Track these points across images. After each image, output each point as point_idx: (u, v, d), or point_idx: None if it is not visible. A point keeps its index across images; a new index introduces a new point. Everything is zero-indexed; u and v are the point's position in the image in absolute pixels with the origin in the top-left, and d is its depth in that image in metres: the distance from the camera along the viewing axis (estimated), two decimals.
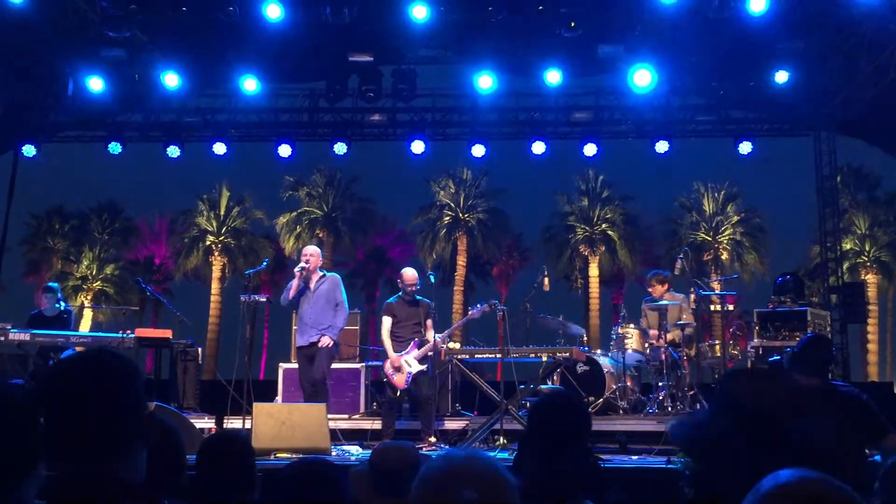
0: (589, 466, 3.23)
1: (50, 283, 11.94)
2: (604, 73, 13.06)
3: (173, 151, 14.17)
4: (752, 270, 38.35)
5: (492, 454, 6.48)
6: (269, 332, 41.44)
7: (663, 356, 9.89)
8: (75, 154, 20.71)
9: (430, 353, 8.98)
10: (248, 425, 7.96)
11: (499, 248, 42.06)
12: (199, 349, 11.60)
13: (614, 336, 10.75)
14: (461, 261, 40.03)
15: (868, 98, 12.38)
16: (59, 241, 40.62)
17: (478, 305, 9.45)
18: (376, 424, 9.46)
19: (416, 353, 8.89)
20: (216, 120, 14.52)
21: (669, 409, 9.48)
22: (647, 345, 10.46)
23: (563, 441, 2.95)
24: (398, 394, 8.99)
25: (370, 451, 7.27)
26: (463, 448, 6.42)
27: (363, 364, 11.07)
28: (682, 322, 10.09)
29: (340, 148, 14.13)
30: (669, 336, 10.04)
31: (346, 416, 10.34)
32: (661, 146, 13.79)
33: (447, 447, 8.37)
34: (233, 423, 8.82)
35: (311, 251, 9.27)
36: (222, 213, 40.63)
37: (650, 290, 10.68)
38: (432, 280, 10.19)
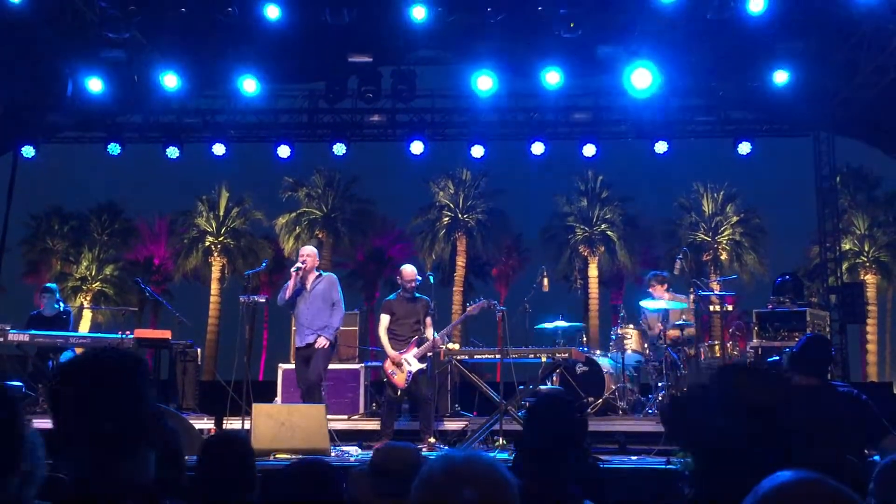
0: (587, 467, 3.22)
1: (48, 284, 11.94)
2: (603, 73, 13.05)
3: (172, 152, 14.17)
4: (751, 271, 38.37)
5: (491, 455, 6.47)
6: (269, 333, 41.48)
7: (667, 353, 9.90)
8: (75, 155, 20.73)
9: (429, 353, 8.97)
10: (247, 426, 7.95)
11: (498, 249, 42.07)
12: (199, 350, 11.59)
13: (613, 336, 10.75)
14: (460, 261, 40.03)
15: (867, 98, 12.38)
16: (59, 241, 40.62)
17: (476, 301, 9.45)
18: (375, 425, 9.46)
19: (415, 351, 8.88)
20: (215, 121, 14.52)
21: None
22: (646, 345, 10.47)
23: (560, 443, 2.95)
24: (398, 393, 8.98)
25: (369, 452, 7.28)
26: (463, 448, 6.42)
27: (362, 364, 11.06)
28: (681, 322, 10.09)
29: (340, 149, 14.13)
30: (670, 334, 10.04)
31: (345, 416, 10.34)
32: (661, 146, 13.79)
33: (446, 448, 8.37)
34: (232, 423, 8.81)
35: (308, 251, 9.22)
36: (222, 213, 40.63)
37: (650, 289, 10.69)
38: (431, 280, 10.19)
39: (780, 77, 11.85)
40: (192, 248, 40.09)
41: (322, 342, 8.70)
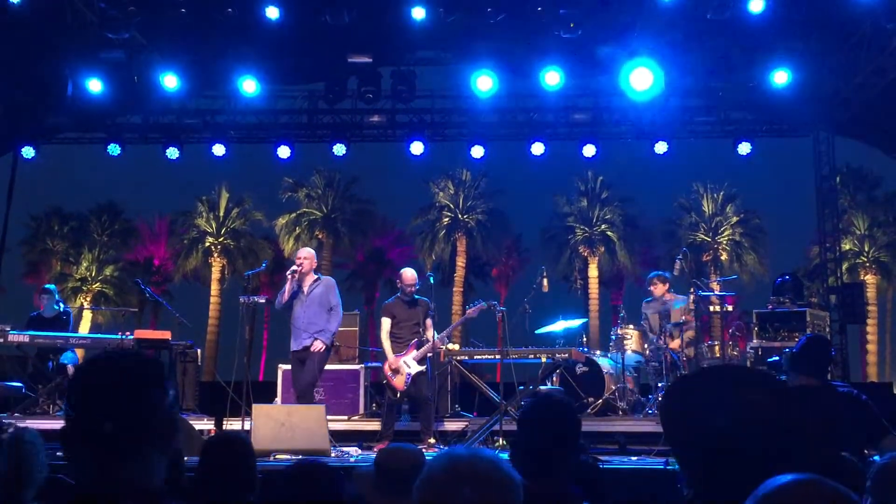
0: (587, 467, 3.23)
1: (47, 285, 11.95)
2: (603, 73, 13.05)
3: (172, 153, 14.18)
4: (751, 271, 38.37)
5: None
6: (269, 334, 41.48)
7: (667, 354, 9.89)
8: (74, 155, 20.72)
9: (429, 354, 8.97)
10: (247, 427, 7.95)
11: (498, 249, 42.07)
12: (199, 350, 11.59)
13: (613, 337, 10.76)
14: (460, 262, 40.03)
15: (867, 98, 12.38)
16: (59, 242, 40.61)
17: (475, 304, 9.46)
18: (375, 425, 9.46)
19: (415, 353, 8.88)
20: (215, 121, 14.52)
21: None
22: (646, 345, 10.47)
23: (553, 443, 2.95)
24: (398, 395, 8.98)
25: (369, 453, 7.29)
26: (466, 447, 6.42)
27: (362, 365, 11.06)
28: (681, 322, 10.09)
29: (339, 149, 14.13)
30: (674, 343, 10.02)
31: (345, 417, 10.34)
32: (661, 147, 13.80)
33: (446, 448, 8.36)
34: (232, 424, 8.81)
35: (305, 254, 9.16)
36: (221, 214, 40.63)
37: (651, 288, 10.69)
38: (431, 281, 10.19)
39: (780, 77, 11.85)
40: (192, 248, 40.10)
41: (318, 345, 8.65)
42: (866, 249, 37.95)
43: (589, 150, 13.90)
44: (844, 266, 25.02)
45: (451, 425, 9.74)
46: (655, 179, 39.67)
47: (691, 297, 10.12)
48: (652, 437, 8.42)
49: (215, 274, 39.58)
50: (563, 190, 41.09)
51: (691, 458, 1.87)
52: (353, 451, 8.39)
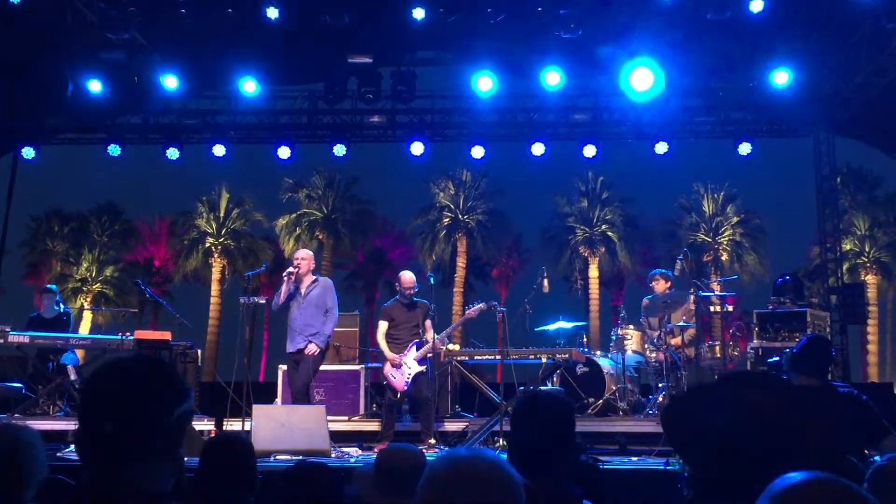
0: (585, 468, 3.22)
1: (48, 285, 11.95)
2: (603, 74, 13.04)
3: (172, 153, 14.18)
4: (751, 271, 38.35)
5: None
6: (269, 334, 41.45)
7: (663, 357, 9.88)
8: (75, 156, 20.70)
9: (429, 354, 8.96)
10: (247, 427, 7.95)
11: (498, 250, 42.06)
12: (199, 351, 11.59)
13: (614, 337, 10.75)
14: (461, 262, 40.03)
15: (868, 99, 12.37)
16: (59, 243, 40.60)
17: (474, 304, 9.46)
18: (376, 426, 9.46)
19: (414, 353, 8.88)
20: (215, 121, 14.53)
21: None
22: (646, 346, 10.46)
23: (548, 442, 2.94)
24: (398, 395, 8.98)
25: (369, 453, 7.29)
26: (467, 447, 6.41)
27: (363, 366, 11.06)
28: (682, 323, 10.08)
29: (340, 149, 14.13)
30: (674, 340, 10.01)
31: (345, 417, 10.34)
32: (661, 147, 13.80)
33: (447, 449, 8.37)
34: (232, 424, 8.80)
35: (303, 255, 9.11)
36: (222, 214, 40.63)
37: (653, 284, 10.67)
38: (431, 282, 10.19)
39: (781, 77, 11.85)
40: (192, 249, 40.10)
41: (312, 349, 8.60)
42: (867, 250, 37.95)
43: (589, 151, 13.90)
44: (845, 266, 25.00)
45: (452, 426, 9.74)
46: (656, 180, 39.75)
47: (692, 297, 10.11)
48: (652, 438, 8.41)
49: (215, 274, 39.58)
50: (564, 190, 41.16)
51: (694, 459, 1.87)
52: (354, 451, 8.39)
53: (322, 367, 10.68)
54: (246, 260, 38.95)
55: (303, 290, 8.86)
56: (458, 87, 14.19)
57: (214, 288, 39.31)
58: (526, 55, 12.12)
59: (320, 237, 39.90)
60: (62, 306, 11.44)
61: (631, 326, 10.67)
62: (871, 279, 37.12)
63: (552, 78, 12.00)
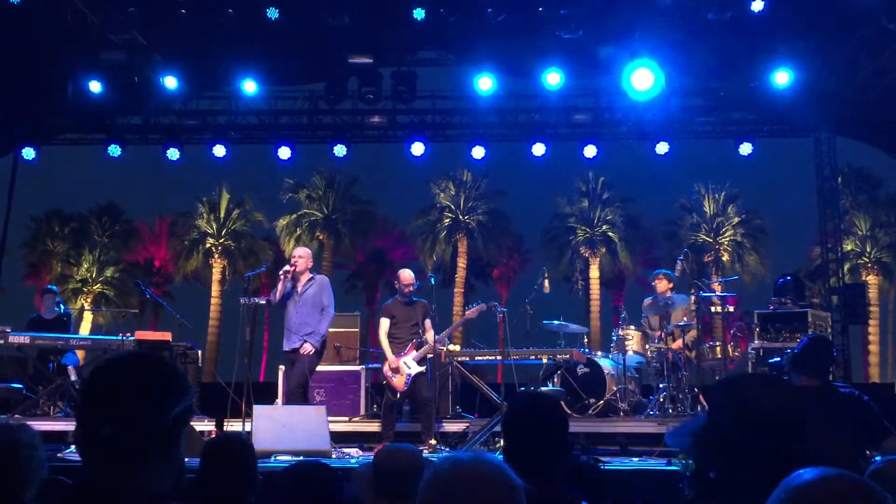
0: (586, 469, 3.21)
1: (50, 286, 11.95)
2: (604, 74, 13.04)
3: (173, 154, 14.18)
4: (752, 272, 38.31)
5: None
6: (269, 335, 41.42)
7: (669, 355, 9.86)
8: (75, 156, 20.72)
9: (429, 355, 8.95)
10: (248, 428, 7.95)
11: (499, 250, 42.04)
12: (199, 352, 11.59)
13: (615, 338, 10.74)
14: (461, 263, 40.01)
15: (869, 99, 12.37)
16: (59, 243, 40.59)
17: (473, 305, 9.45)
18: (376, 426, 9.45)
19: (414, 354, 8.87)
20: (216, 122, 14.53)
21: (670, 410, 9.46)
22: (647, 346, 10.45)
23: (540, 443, 2.93)
24: (398, 396, 8.97)
25: (370, 454, 7.27)
26: (465, 450, 6.41)
27: (363, 366, 11.05)
28: (682, 324, 10.07)
29: (340, 150, 14.13)
30: (675, 344, 9.99)
31: (346, 418, 10.34)
32: (662, 147, 13.80)
33: (447, 449, 8.36)
34: (233, 425, 8.80)
35: (300, 253, 9.10)
36: (222, 215, 40.61)
37: (655, 283, 10.66)
38: (433, 282, 10.18)
39: (782, 77, 11.84)
40: (192, 249, 40.08)
41: (307, 349, 8.57)
42: (868, 250, 37.92)
43: (590, 151, 13.89)
44: (846, 267, 24.96)
45: (452, 426, 9.73)
46: (657, 180, 39.75)
47: (692, 297, 10.10)
48: (653, 439, 8.40)
49: (216, 275, 39.56)
50: (565, 190, 41.10)
51: (698, 454, 1.87)
52: (354, 452, 8.38)
53: (323, 368, 10.69)
54: (246, 260, 38.93)
55: (299, 289, 8.84)
56: (458, 88, 14.22)
57: (215, 288, 39.30)
58: (526, 55, 12.11)
59: (321, 237, 39.88)
60: (62, 307, 11.44)
61: (632, 327, 10.66)
62: (872, 279, 37.10)
63: (552, 78, 12.00)
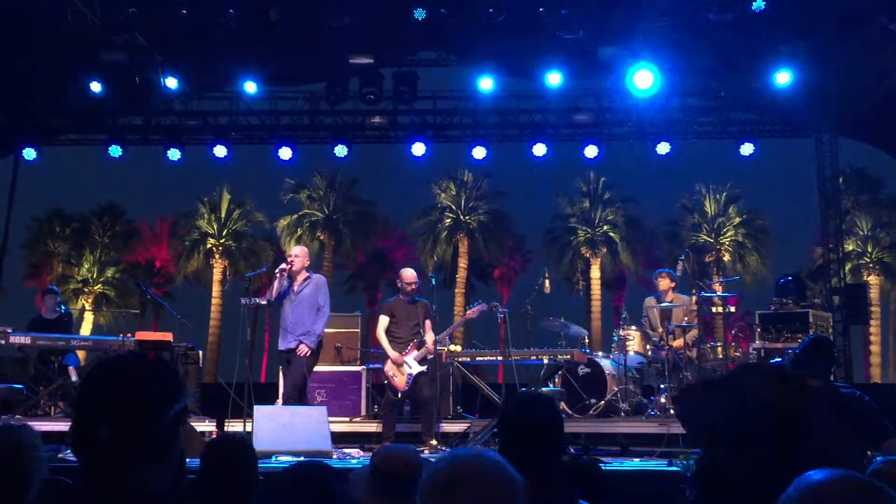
0: (587, 469, 3.20)
1: (50, 286, 11.95)
2: (605, 74, 13.04)
3: (174, 154, 14.18)
4: (753, 272, 38.28)
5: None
6: (270, 335, 41.39)
7: (664, 354, 9.85)
8: (76, 157, 20.71)
9: (429, 355, 8.94)
10: (248, 428, 7.94)
11: (500, 251, 42.02)
12: (200, 352, 11.59)
13: (616, 338, 10.73)
14: (462, 263, 40.00)
15: (870, 100, 12.37)
16: (60, 244, 40.58)
17: (474, 305, 9.45)
18: (377, 427, 9.44)
19: (415, 353, 8.87)
20: (217, 122, 14.55)
21: (671, 411, 9.45)
22: (648, 347, 10.45)
23: (534, 443, 2.93)
24: (399, 396, 8.96)
25: (371, 454, 7.26)
26: (469, 448, 6.40)
27: (364, 367, 11.04)
28: (684, 324, 10.06)
29: (341, 150, 14.14)
30: (676, 344, 9.99)
31: (346, 418, 10.33)
32: (663, 148, 13.79)
33: (448, 450, 8.35)
34: (233, 425, 8.80)
35: (297, 251, 9.02)
36: (223, 215, 40.61)
37: (658, 281, 10.65)
38: (433, 282, 10.18)
39: (783, 78, 11.84)
40: (193, 250, 40.07)
41: (303, 350, 8.51)
42: (869, 250, 37.90)
43: (591, 151, 13.90)
44: (847, 267, 24.93)
45: (453, 427, 9.73)
46: (658, 180, 39.68)
47: (693, 298, 10.10)
48: (654, 439, 8.40)
49: (217, 275, 39.56)
50: (566, 191, 41.08)
51: (703, 448, 1.87)
52: (355, 452, 8.37)
53: (323, 369, 10.70)
54: (247, 261, 38.92)
55: (296, 288, 8.76)
56: (459, 88, 14.23)
57: (216, 289, 39.29)
58: (527, 56, 12.12)
59: (322, 238, 39.88)
60: (63, 307, 11.45)
61: (633, 327, 10.65)
62: (873, 280, 37.06)
63: (553, 78, 12.01)
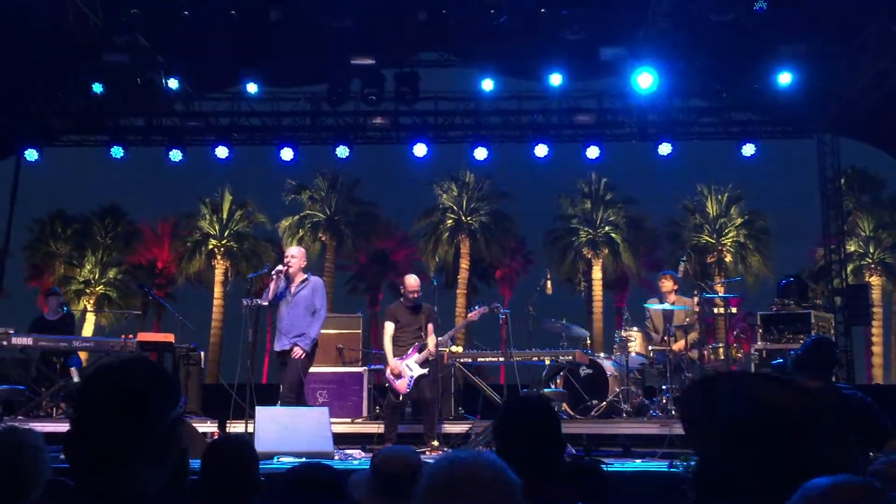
0: (588, 470, 3.20)
1: (53, 287, 11.97)
2: (606, 75, 13.05)
3: (175, 155, 14.18)
4: (755, 273, 38.25)
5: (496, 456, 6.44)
6: (272, 336, 41.37)
7: (671, 356, 9.85)
8: (77, 158, 20.75)
9: (430, 358, 8.95)
10: (250, 429, 7.95)
11: (502, 251, 42.01)
12: (202, 353, 11.58)
13: (617, 339, 10.73)
14: (464, 264, 40.00)
15: (872, 100, 12.36)
16: (62, 245, 40.60)
17: (476, 307, 9.46)
18: (379, 428, 9.45)
19: (416, 356, 8.87)
20: (218, 123, 14.55)
21: (673, 412, 9.45)
22: (650, 348, 10.45)
23: (531, 445, 2.93)
24: (400, 398, 8.97)
25: (372, 456, 7.26)
26: (467, 450, 6.40)
27: (366, 368, 11.04)
28: (685, 325, 10.06)
29: (343, 151, 14.14)
30: (678, 345, 9.98)
31: (348, 419, 10.33)
32: (664, 148, 13.78)
33: (450, 451, 8.34)
34: (235, 426, 8.80)
35: (294, 252, 8.96)
36: (225, 216, 40.62)
37: (660, 282, 10.66)
38: (435, 283, 10.19)
39: (784, 79, 11.84)
40: (195, 251, 40.08)
41: (297, 352, 8.45)
42: (871, 251, 37.85)
43: (593, 152, 13.89)
44: (849, 268, 24.93)
45: (455, 428, 9.72)
46: (659, 181, 39.69)
47: (695, 299, 10.10)
48: (656, 440, 8.40)
49: (218, 276, 39.57)
50: (567, 192, 41.05)
51: (704, 447, 1.87)
52: (357, 453, 8.37)
53: (325, 370, 10.70)
54: (249, 262, 38.92)
55: (292, 289, 8.71)
56: (461, 89, 14.23)
57: (217, 290, 39.30)
58: (529, 56, 12.12)
59: (323, 239, 39.88)
60: (64, 308, 11.46)
61: (634, 328, 10.65)
62: (875, 281, 37.01)
63: (555, 79, 12.01)
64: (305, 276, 8.84)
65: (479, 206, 40.61)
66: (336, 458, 7.86)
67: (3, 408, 9.75)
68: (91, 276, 39.84)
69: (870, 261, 37.79)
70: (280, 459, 7.37)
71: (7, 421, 9.00)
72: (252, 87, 12.48)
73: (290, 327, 8.60)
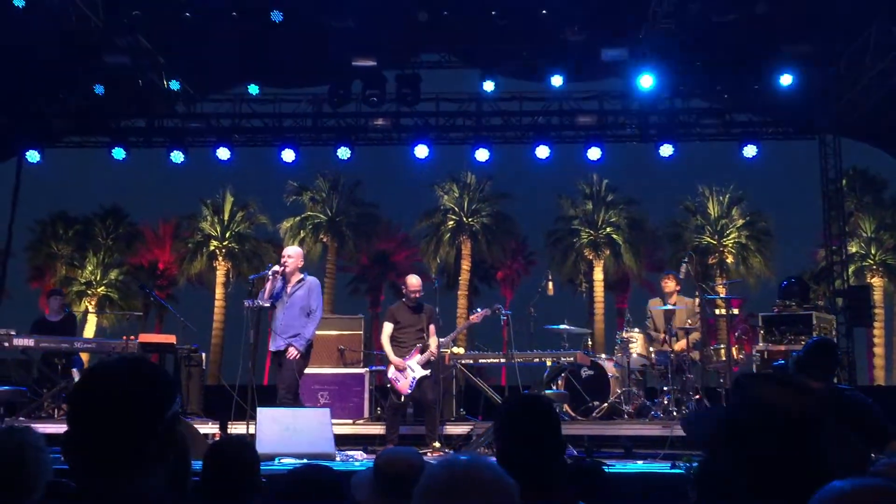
0: (590, 471, 3.20)
1: (56, 288, 11.97)
2: (607, 76, 13.05)
3: (177, 156, 14.19)
4: (757, 274, 38.24)
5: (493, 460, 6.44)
6: (272, 337, 41.36)
7: (673, 357, 9.84)
8: (79, 159, 20.75)
9: (432, 358, 8.95)
10: (251, 430, 7.94)
11: (503, 253, 42.01)
12: (203, 354, 11.59)
13: (619, 340, 10.73)
14: (465, 265, 39.99)
15: (873, 101, 12.35)
16: (64, 246, 40.62)
17: (477, 310, 9.46)
18: (380, 429, 9.45)
19: (418, 357, 8.87)
20: (220, 124, 14.56)
21: (674, 413, 9.45)
22: (651, 349, 10.45)
23: (535, 449, 2.93)
24: (402, 399, 8.97)
25: (374, 457, 7.27)
26: (464, 453, 6.40)
27: (367, 369, 11.04)
28: (687, 327, 10.05)
29: (344, 152, 14.15)
30: (679, 346, 9.98)
31: (350, 420, 10.33)
32: (666, 149, 13.78)
33: (452, 452, 8.35)
34: (237, 428, 8.79)
35: (290, 252, 8.91)
36: (226, 217, 40.64)
37: (663, 282, 10.65)
38: (436, 284, 10.19)
39: (786, 80, 11.83)
40: (196, 252, 40.08)
41: (292, 353, 8.41)
42: (873, 252, 37.80)
43: (594, 153, 13.89)
44: (851, 269, 24.94)
45: (456, 429, 9.72)
46: (661, 182, 39.69)
47: (696, 300, 10.09)
48: (657, 441, 8.39)
49: (220, 278, 39.57)
50: (568, 193, 41.05)
51: (706, 448, 1.87)
52: (358, 454, 8.37)
53: (326, 371, 10.71)
54: (250, 263, 38.90)
55: (288, 290, 8.68)
56: (462, 90, 14.24)
57: (219, 291, 39.30)
58: (530, 58, 12.13)
59: (324, 240, 39.87)
60: (66, 309, 11.47)
61: (636, 329, 10.65)
62: (877, 282, 36.96)
63: (556, 80, 12.01)
64: (302, 276, 8.80)
65: (480, 207, 40.61)
66: (337, 459, 7.85)
67: (4, 409, 9.75)
68: (92, 277, 39.86)
69: (871, 262, 37.74)
70: (281, 461, 7.36)
71: (8, 422, 9.01)
72: (253, 89, 12.48)
73: (285, 327, 8.57)
